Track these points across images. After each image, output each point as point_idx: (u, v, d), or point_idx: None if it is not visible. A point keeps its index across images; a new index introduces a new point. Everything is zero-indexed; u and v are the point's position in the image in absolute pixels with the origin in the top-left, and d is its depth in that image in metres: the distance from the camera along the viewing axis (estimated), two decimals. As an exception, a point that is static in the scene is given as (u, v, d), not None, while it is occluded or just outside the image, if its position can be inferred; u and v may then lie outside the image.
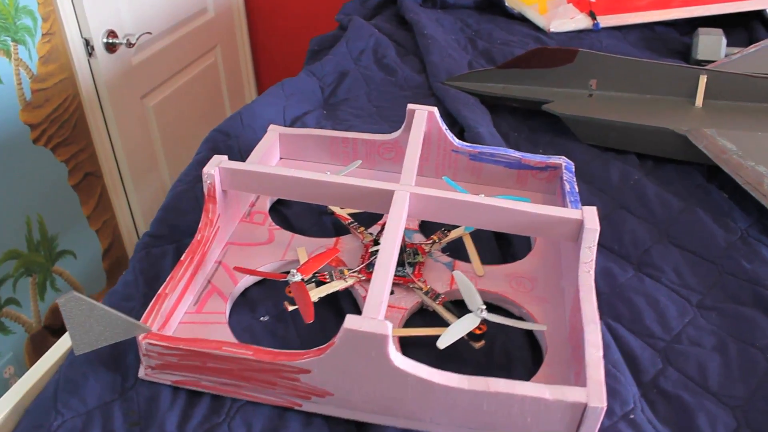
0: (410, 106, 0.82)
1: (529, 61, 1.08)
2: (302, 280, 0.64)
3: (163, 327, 0.60)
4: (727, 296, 0.72)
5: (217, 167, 0.68)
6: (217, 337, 0.62)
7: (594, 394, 0.52)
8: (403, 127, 0.84)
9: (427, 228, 0.79)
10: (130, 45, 1.41)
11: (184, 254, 0.65)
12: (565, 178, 0.80)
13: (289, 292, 0.65)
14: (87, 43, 1.33)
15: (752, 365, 0.64)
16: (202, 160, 0.87)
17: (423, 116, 0.81)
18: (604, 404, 0.52)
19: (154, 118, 1.59)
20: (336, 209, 0.79)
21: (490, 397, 0.53)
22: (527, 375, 0.63)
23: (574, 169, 0.82)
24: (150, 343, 0.56)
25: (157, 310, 0.59)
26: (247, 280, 0.70)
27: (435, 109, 0.82)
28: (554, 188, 0.85)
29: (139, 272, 0.70)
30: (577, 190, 0.77)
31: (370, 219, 0.80)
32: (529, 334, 0.67)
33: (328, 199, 0.69)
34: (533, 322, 0.67)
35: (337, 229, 0.80)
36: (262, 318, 0.67)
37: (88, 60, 1.35)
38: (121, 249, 1.62)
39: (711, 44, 1.27)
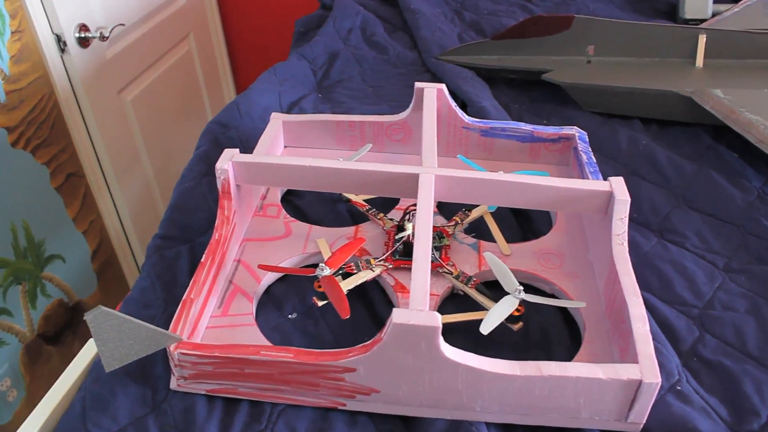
0: (418, 84, 0.80)
1: (524, 31, 1.05)
2: (332, 273, 0.62)
3: (192, 334, 0.58)
4: (752, 257, 0.72)
5: (230, 162, 0.65)
6: (247, 339, 0.60)
7: (647, 369, 0.52)
8: (411, 106, 0.81)
9: (445, 209, 0.77)
10: (103, 38, 1.35)
11: (204, 256, 0.62)
12: (580, 148, 0.78)
13: (319, 287, 0.62)
14: (59, 38, 1.27)
15: (789, 326, 0.63)
16: (203, 154, 0.84)
17: (432, 94, 0.78)
18: (659, 379, 0.51)
19: (132, 112, 1.53)
20: (352, 196, 0.76)
21: (542, 381, 0.52)
22: (567, 353, 0.62)
23: (587, 139, 0.80)
24: (183, 353, 0.54)
25: (185, 317, 0.57)
26: (270, 277, 0.67)
27: (443, 86, 0.79)
28: (567, 159, 0.84)
29: (155, 277, 0.67)
30: (594, 160, 0.76)
31: (384, 204, 0.77)
32: (563, 311, 0.66)
33: (349, 187, 0.66)
34: (566, 298, 0.65)
35: (353, 216, 0.77)
36: (290, 316, 0.65)
37: (61, 56, 1.28)
38: (109, 249, 1.58)
39: (697, 2, 1.26)
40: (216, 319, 0.62)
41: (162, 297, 0.65)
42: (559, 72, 1.01)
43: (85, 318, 0.48)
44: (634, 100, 0.95)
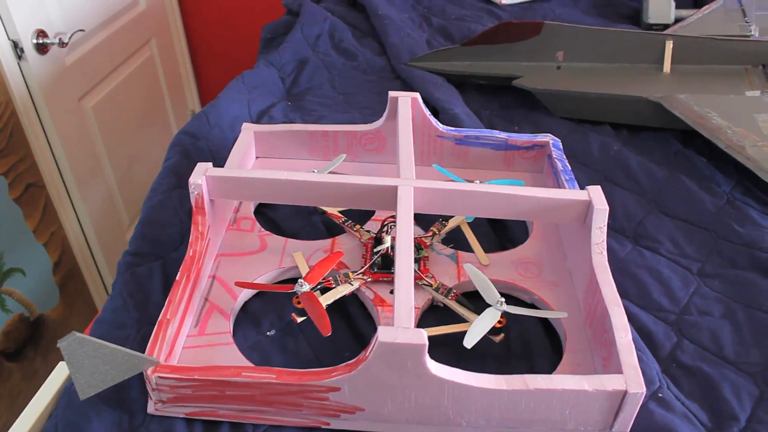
0: (392, 93, 0.79)
1: (494, 37, 1.06)
2: (311, 289, 0.60)
3: (169, 356, 0.56)
4: (725, 262, 0.73)
5: (203, 176, 0.63)
6: (226, 359, 0.58)
7: (632, 379, 0.52)
8: (385, 115, 0.81)
9: (421, 220, 0.76)
10: (62, 44, 1.30)
11: (179, 273, 0.60)
12: (554, 156, 0.78)
13: (298, 303, 0.61)
14: (15, 45, 1.22)
15: (763, 329, 0.65)
16: (173, 167, 0.81)
17: (407, 103, 0.78)
18: (644, 389, 0.51)
19: (93, 119, 1.49)
20: (327, 208, 0.75)
21: (528, 395, 0.51)
22: (549, 364, 0.62)
23: (561, 146, 0.81)
24: (161, 377, 0.52)
25: (162, 339, 0.55)
26: (247, 293, 0.66)
27: (417, 95, 0.79)
28: (541, 167, 0.84)
29: (127, 296, 0.65)
30: (569, 168, 0.76)
31: (360, 216, 0.76)
32: (544, 321, 0.66)
33: (326, 200, 0.65)
34: (546, 308, 0.66)
35: (329, 228, 0.76)
36: (268, 333, 0.63)
37: (19, 63, 1.24)
38: (71, 261, 1.53)
39: (660, 7, 1.28)
40: (193, 339, 0.60)
41: (135, 317, 0.63)
42: (529, 78, 1.02)
43: (58, 345, 0.46)
44: (605, 106, 0.96)
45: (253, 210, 0.77)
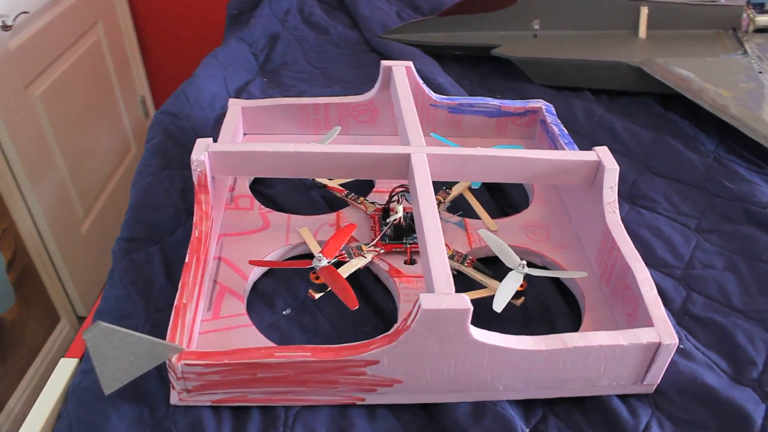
0: (385, 62, 0.77)
1: (470, 7, 1.05)
2: (329, 263, 0.58)
3: (189, 343, 0.53)
4: (720, 217, 0.75)
5: (206, 152, 0.60)
6: (246, 341, 0.56)
7: (664, 331, 0.52)
8: (378, 85, 0.79)
9: (423, 190, 0.75)
10: (5, 27, 1.22)
11: (188, 255, 0.57)
12: (549, 121, 0.78)
13: (316, 278, 0.59)
14: (-45, 28, 1.13)
15: (765, 279, 0.67)
16: (157, 147, 0.77)
17: (402, 72, 0.76)
18: (676, 340, 0.52)
19: (42, 107, 1.40)
20: (326, 181, 0.73)
21: (566, 354, 0.51)
22: (570, 324, 0.62)
23: (554, 111, 0.81)
24: (188, 364, 0.49)
25: (182, 325, 0.52)
26: (256, 273, 0.63)
27: (411, 64, 0.77)
28: (533, 133, 0.84)
29: (129, 283, 0.61)
30: (566, 132, 0.76)
31: (358, 189, 0.74)
32: (557, 283, 0.66)
33: (337, 171, 0.63)
34: (559, 269, 0.66)
35: (329, 202, 0.74)
36: (284, 312, 0.61)
37: (-41, 48, 1.15)
38: (26, 258, 1.44)
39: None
40: (208, 324, 0.57)
41: (141, 305, 0.60)
42: (508, 47, 1.02)
43: (83, 337, 0.43)
44: (585, 72, 0.97)
45: (248, 187, 0.74)
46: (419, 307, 0.47)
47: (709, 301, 0.65)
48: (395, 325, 0.51)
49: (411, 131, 0.65)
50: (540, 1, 1.02)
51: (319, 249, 0.65)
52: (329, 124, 0.81)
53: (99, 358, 0.44)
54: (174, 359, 0.49)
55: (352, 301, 0.55)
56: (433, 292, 0.48)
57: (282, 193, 0.74)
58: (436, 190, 0.73)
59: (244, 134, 0.80)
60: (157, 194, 0.70)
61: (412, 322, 0.48)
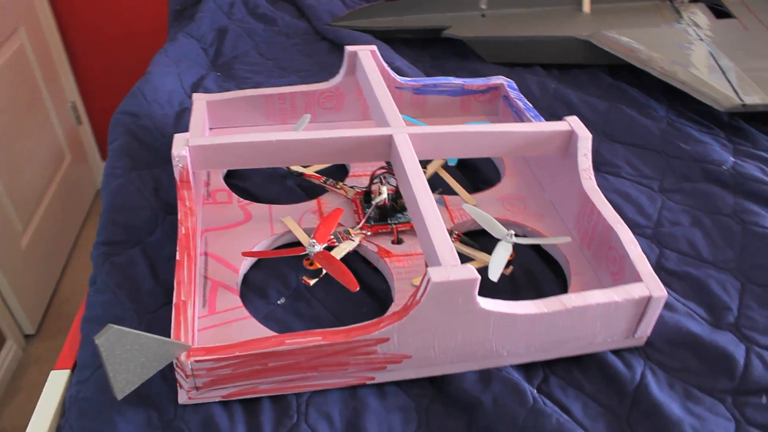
0: (349, 48, 0.77)
1: (417, -10, 1.06)
2: (323, 248, 0.58)
3: (192, 341, 0.52)
4: (680, 177, 0.79)
5: (186, 147, 0.59)
6: (247, 334, 0.55)
7: (653, 285, 0.55)
8: (343, 71, 0.78)
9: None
10: (-74, 34, 1.15)
11: (178, 253, 0.56)
12: (513, 96, 0.80)
13: (310, 264, 0.59)
14: None
15: (728, 231, 0.71)
16: (122, 148, 0.75)
17: (368, 56, 0.76)
18: (665, 293, 0.54)
19: (-30, 119, 1.33)
20: (304, 169, 0.73)
21: (566, 314, 0.53)
22: (557, 289, 0.64)
23: (516, 86, 0.83)
24: (198, 361, 0.48)
25: (184, 322, 0.50)
26: (245, 265, 0.62)
27: (375, 48, 0.77)
28: (495, 109, 0.86)
29: (115, 287, 0.59)
30: (531, 105, 0.78)
31: (333, 175, 0.74)
32: (539, 251, 0.68)
33: (320, 157, 0.62)
34: (540, 237, 0.68)
35: (305, 190, 0.73)
36: (279, 301, 0.60)
37: None
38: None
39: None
40: (205, 320, 0.56)
41: (131, 308, 0.58)
42: (458, 27, 1.03)
43: (96, 341, 0.41)
44: (535, 48, 1.00)
45: (223, 181, 0.72)
46: (429, 280, 0.48)
47: (681, 255, 0.69)
48: (394, 303, 0.51)
49: (389, 113, 0.66)
50: (486, -19, 1.04)
51: (306, 236, 0.65)
52: (295, 113, 0.80)
53: (111, 362, 0.43)
54: (183, 357, 0.48)
55: (352, 284, 0.55)
56: (437, 265, 0.49)
57: (257, 184, 0.73)
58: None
59: (210, 129, 0.79)
60: (130, 195, 0.68)
61: (421, 296, 0.48)
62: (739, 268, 0.67)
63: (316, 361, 0.50)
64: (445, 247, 0.51)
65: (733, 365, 0.56)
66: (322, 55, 1.04)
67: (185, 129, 0.81)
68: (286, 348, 0.49)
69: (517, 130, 0.65)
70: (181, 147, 0.59)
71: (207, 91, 0.91)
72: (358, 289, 0.55)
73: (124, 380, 0.45)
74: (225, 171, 0.74)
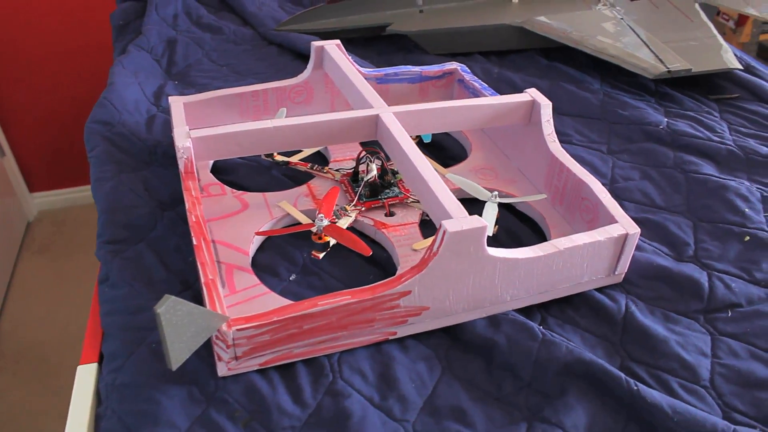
0: (315, 43, 0.81)
1: (357, -8, 1.11)
2: (330, 222, 0.62)
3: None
4: (624, 139, 0.88)
5: (189, 139, 0.61)
6: (271, 306, 0.58)
7: (628, 224, 0.62)
8: (311, 66, 0.83)
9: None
10: None
11: (194, 238, 0.58)
12: (468, 78, 0.87)
13: (318, 239, 0.63)
14: None
15: (674, 180, 0.80)
16: (104, 155, 0.75)
17: (335, 49, 0.80)
18: (638, 230, 0.62)
19: None
20: (281, 157, 0.76)
21: (558, 256, 0.60)
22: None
23: (469, 69, 0.90)
24: (239, 329, 0.51)
25: (217, 298, 0.53)
26: (252, 249, 0.65)
27: (339, 42, 0.82)
28: (451, 93, 0.92)
29: (131, 280, 0.61)
30: (486, 85, 0.85)
31: (316, 162, 0.78)
32: (515, 213, 0.74)
33: (313, 140, 0.66)
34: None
35: (291, 178, 0.77)
36: (290, 278, 0.64)
37: None
38: None
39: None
40: (228, 299, 0.59)
41: (151, 297, 0.60)
42: (399, 23, 1.09)
43: (157, 311, 0.44)
44: (474, 37, 1.07)
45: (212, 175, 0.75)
46: (445, 231, 0.53)
47: (638, 205, 0.77)
48: (400, 267, 0.56)
49: (368, 95, 0.71)
50: (421, -22, 1.11)
51: (304, 217, 0.68)
52: (268, 109, 0.83)
53: (170, 332, 0.45)
54: (224, 327, 0.51)
55: (364, 249, 0.59)
56: (448, 218, 0.54)
57: (244, 176, 0.76)
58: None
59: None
60: (124, 196, 0.69)
61: (438, 247, 0.53)
62: (688, 209, 0.76)
63: (345, 320, 0.54)
64: (452, 202, 0.56)
65: (699, 289, 0.65)
66: (273, 57, 1.07)
67: (158, 133, 0.83)
68: (320, 309, 0.52)
69: (487, 103, 0.71)
70: (183, 139, 0.61)
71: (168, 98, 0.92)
72: (371, 253, 0.59)
73: (179, 350, 0.47)
74: (211, 166, 0.76)
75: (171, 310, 0.44)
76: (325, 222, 0.62)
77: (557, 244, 0.60)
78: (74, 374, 0.56)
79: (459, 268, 0.55)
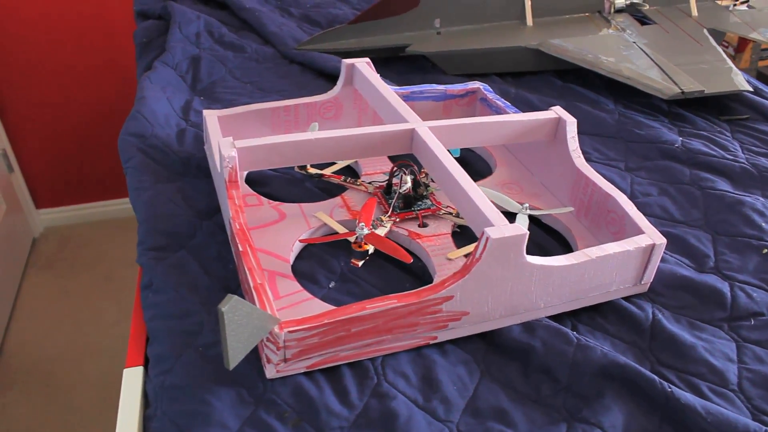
0: (346, 60, 0.84)
1: (377, 13, 1.15)
2: (371, 231, 0.64)
3: (272, 317, 0.56)
4: (640, 157, 0.91)
5: (235, 149, 0.63)
6: (319, 311, 0.60)
7: (654, 235, 0.65)
8: (341, 83, 0.85)
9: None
10: None
11: (240, 245, 0.60)
12: (491, 97, 0.90)
13: (358, 247, 0.65)
14: None
15: (691, 196, 0.83)
16: (140, 165, 0.77)
17: (366, 67, 0.83)
18: (665, 240, 0.64)
19: None
20: (315, 170, 0.78)
21: (590, 265, 0.62)
22: (564, 254, 0.73)
23: (491, 89, 0.93)
24: (291, 331, 0.52)
25: (267, 301, 0.55)
26: (292, 257, 0.67)
27: (368, 59, 0.85)
28: (473, 111, 0.95)
29: (176, 286, 0.62)
30: (509, 103, 0.88)
31: (348, 176, 0.80)
32: (541, 225, 0.77)
33: (352, 152, 0.69)
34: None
35: (324, 190, 0.79)
36: (330, 285, 0.65)
37: None
38: None
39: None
40: (274, 303, 0.60)
41: (197, 301, 0.61)
42: (418, 44, 1.13)
43: (222, 309, 0.45)
44: (490, 59, 1.11)
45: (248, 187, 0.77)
46: (488, 238, 0.55)
47: (657, 219, 0.80)
48: (437, 275, 0.59)
49: (402, 110, 0.73)
50: (438, 1, 1.15)
51: (341, 227, 0.70)
52: (299, 123, 0.86)
53: (230, 331, 0.47)
54: (276, 329, 0.52)
55: (405, 257, 0.61)
56: (489, 226, 0.57)
57: (278, 188, 0.78)
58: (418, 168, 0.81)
59: (220, 143, 0.83)
60: (164, 204, 0.71)
61: (481, 253, 0.56)
62: (707, 224, 0.78)
63: (391, 324, 0.56)
64: (492, 210, 0.58)
65: (722, 299, 0.67)
66: (296, 76, 1.10)
67: (189, 146, 0.85)
68: (368, 312, 0.54)
69: (517, 120, 0.74)
70: (228, 149, 0.63)
71: (198, 113, 0.95)
72: (411, 261, 0.61)
73: (237, 349, 0.49)
74: (244, 177, 0.78)
75: (233, 309, 0.46)
76: (366, 231, 0.64)
77: (590, 252, 0.62)
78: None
79: (499, 274, 0.58)
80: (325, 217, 0.71)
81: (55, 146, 1.96)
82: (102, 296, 1.84)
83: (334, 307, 0.57)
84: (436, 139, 0.68)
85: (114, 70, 1.89)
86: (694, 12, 1.20)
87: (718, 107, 1.03)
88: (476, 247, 0.56)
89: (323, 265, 0.68)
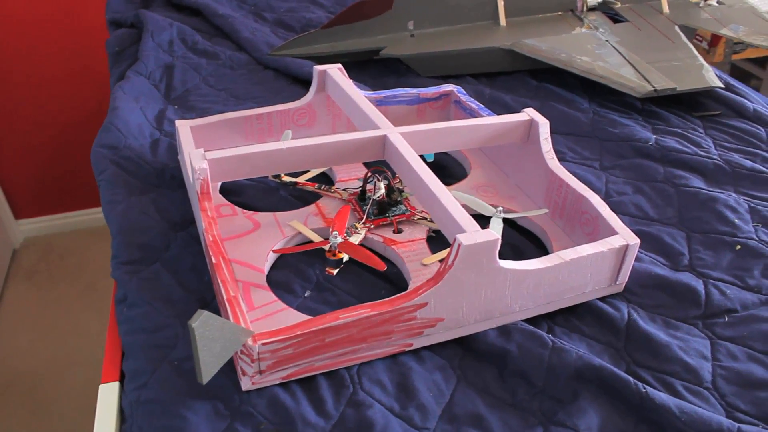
0: (318, 67, 0.84)
1: (349, 17, 1.14)
2: (344, 239, 0.64)
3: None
4: (615, 156, 0.91)
5: (206, 160, 0.63)
6: (293, 322, 0.59)
7: (628, 236, 0.65)
8: (313, 89, 0.85)
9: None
10: None
11: (213, 256, 0.60)
12: (464, 99, 0.90)
13: (332, 256, 0.64)
14: None
15: (666, 193, 0.83)
16: (113, 178, 0.77)
17: (337, 73, 0.83)
18: (638, 240, 0.65)
19: None
20: (297, 179, 0.78)
21: (564, 267, 0.62)
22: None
23: (464, 91, 0.93)
24: (265, 343, 0.52)
25: (241, 314, 0.55)
26: (266, 267, 0.67)
27: (340, 65, 0.85)
28: (447, 114, 0.95)
29: (150, 300, 0.62)
30: (483, 105, 0.88)
31: (322, 183, 0.80)
32: (515, 227, 0.77)
33: (324, 160, 0.68)
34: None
35: (298, 198, 0.79)
36: (305, 294, 0.65)
37: None
38: None
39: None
40: (248, 315, 0.60)
41: (171, 315, 0.61)
42: (392, 47, 1.13)
43: (192, 325, 0.45)
44: (464, 60, 1.11)
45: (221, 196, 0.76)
46: (459, 245, 0.55)
47: (632, 218, 0.80)
48: (411, 281, 0.58)
49: (374, 116, 0.73)
50: (411, 3, 1.15)
51: (315, 235, 0.70)
52: (272, 131, 0.85)
53: (202, 346, 0.47)
54: (249, 342, 0.52)
55: (379, 264, 0.61)
56: (461, 232, 0.57)
57: (252, 197, 0.78)
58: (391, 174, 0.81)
59: (193, 153, 0.82)
60: (137, 217, 0.71)
61: (453, 259, 0.56)
62: (681, 221, 0.79)
63: (365, 332, 0.56)
64: (463, 217, 0.58)
65: (696, 297, 0.68)
66: (270, 82, 1.09)
67: (163, 156, 0.84)
68: (342, 321, 0.54)
69: (489, 123, 0.74)
70: (200, 161, 0.63)
71: (171, 122, 0.94)
72: (385, 268, 0.61)
73: (209, 363, 0.48)
74: (219, 187, 0.78)
75: (204, 324, 0.46)
76: (339, 239, 0.64)
77: (563, 255, 0.62)
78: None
79: (472, 280, 0.58)
80: (300, 225, 0.71)
81: (33, 155, 1.94)
82: (84, 307, 1.83)
83: (309, 318, 0.57)
84: (408, 145, 0.68)
85: (91, 77, 1.87)
86: (666, 9, 1.21)
87: (690, 104, 1.04)
88: (449, 254, 0.56)
89: (298, 274, 0.67)
